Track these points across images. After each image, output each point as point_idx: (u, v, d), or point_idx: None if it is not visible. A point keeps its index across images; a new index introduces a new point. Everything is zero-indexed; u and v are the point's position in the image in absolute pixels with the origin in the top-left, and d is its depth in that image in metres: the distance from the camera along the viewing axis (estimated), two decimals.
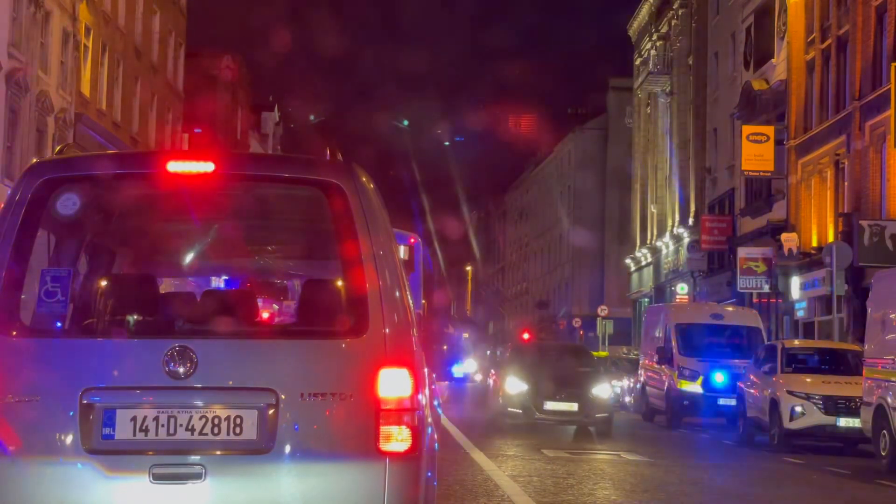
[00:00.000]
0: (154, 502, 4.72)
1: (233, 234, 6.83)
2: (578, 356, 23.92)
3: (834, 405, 18.77)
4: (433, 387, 7.06)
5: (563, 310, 74.73)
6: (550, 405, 20.34)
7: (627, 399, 33.24)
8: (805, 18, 35.67)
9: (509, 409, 20.83)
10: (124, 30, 40.09)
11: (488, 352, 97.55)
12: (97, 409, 4.76)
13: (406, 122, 41.83)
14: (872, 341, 17.10)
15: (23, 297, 4.94)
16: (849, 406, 18.48)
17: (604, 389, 20.89)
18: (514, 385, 20.94)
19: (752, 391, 20.94)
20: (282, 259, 8.02)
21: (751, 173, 36.97)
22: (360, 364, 4.88)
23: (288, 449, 4.78)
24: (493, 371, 27.49)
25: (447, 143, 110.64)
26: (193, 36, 50.30)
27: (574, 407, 20.25)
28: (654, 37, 55.64)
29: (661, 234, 54.07)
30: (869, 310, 17.58)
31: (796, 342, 26.37)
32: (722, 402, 24.60)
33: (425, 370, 5.40)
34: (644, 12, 58.19)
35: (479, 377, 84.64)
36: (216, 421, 4.79)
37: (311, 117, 50.00)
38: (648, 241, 56.69)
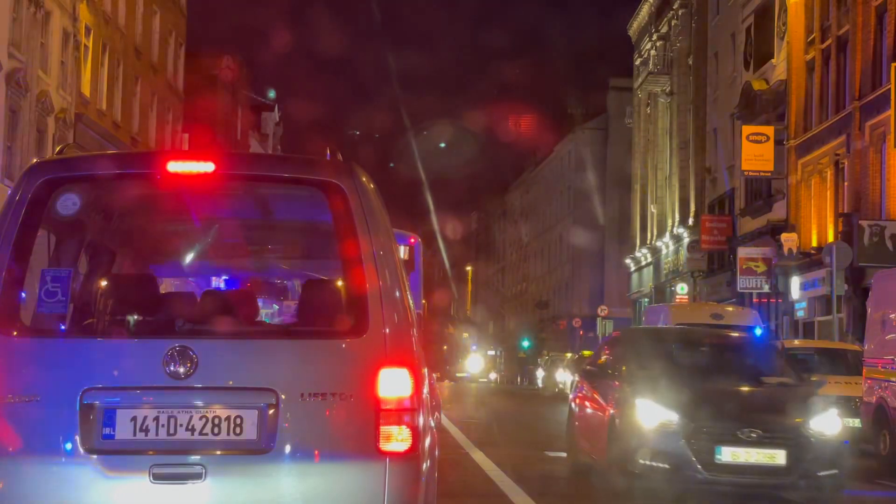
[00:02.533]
0: (154, 502, 4.72)
1: (233, 234, 6.84)
2: (759, 356, 13.32)
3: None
4: (433, 386, 7.06)
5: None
6: (731, 454, 10.57)
7: None
8: (805, 18, 35.67)
9: (643, 461, 10.76)
10: (124, 30, 40.10)
11: (490, 351, 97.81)
12: (97, 409, 4.76)
13: (273, 94, 39.74)
14: (872, 341, 17.10)
15: (23, 296, 4.94)
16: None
17: (828, 422, 11.10)
18: (653, 414, 10.87)
19: None
20: (282, 259, 8.03)
21: (751, 173, 36.97)
22: (361, 364, 4.88)
23: (288, 449, 4.78)
24: (581, 379, 13.80)
25: (443, 145, 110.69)
26: (193, 36, 50.37)
27: (779, 458, 10.63)
28: (654, 37, 55.64)
29: (661, 234, 54.07)
30: (869, 310, 17.58)
31: (796, 342, 26.37)
32: None
33: (425, 370, 5.41)
34: (644, 12, 58.19)
35: (493, 376, 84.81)
36: (216, 421, 4.79)
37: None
38: (648, 241, 56.69)
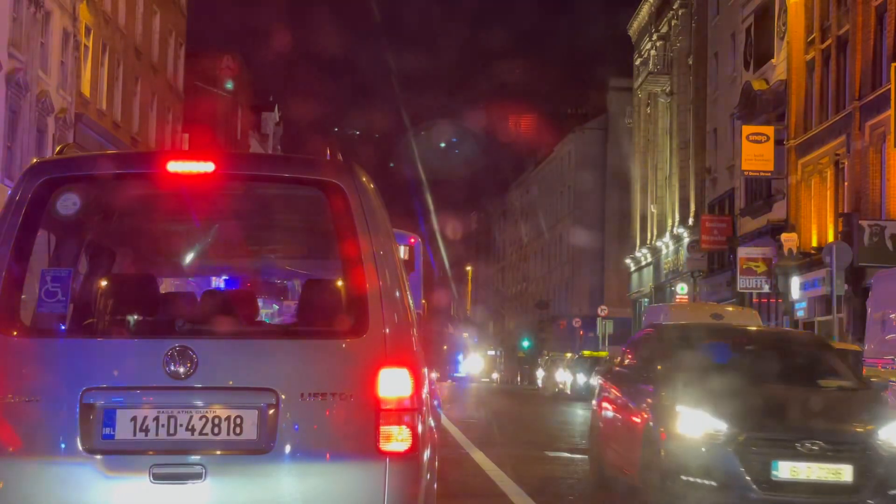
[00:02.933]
0: (154, 502, 4.72)
1: (233, 234, 6.83)
2: (813, 356, 11.55)
3: None
4: (433, 387, 7.06)
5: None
6: (790, 469, 9.10)
7: None
8: (805, 18, 35.67)
9: (685, 478, 9.30)
10: (124, 30, 40.11)
11: (490, 351, 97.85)
12: (97, 409, 4.76)
13: (230, 85, 38.58)
14: (872, 341, 17.12)
15: (23, 297, 4.94)
16: None
17: None
18: (697, 423, 9.41)
19: None
20: (282, 259, 8.03)
21: (751, 173, 36.98)
22: (361, 364, 4.88)
23: (288, 449, 4.78)
24: (607, 382, 12.15)
25: (443, 145, 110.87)
26: (193, 36, 50.39)
27: (845, 474, 9.17)
28: (654, 37, 55.65)
29: (661, 234, 54.08)
30: (869, 310, 17.60)
31: None
32: None
33: (425, 370, 5.41)
34: (644, 12, 58.20)
35: (495, 375, 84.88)
36: (216, 421, 4.79)
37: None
38: (648, 241, 56.71)
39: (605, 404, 11.74)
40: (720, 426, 9.22)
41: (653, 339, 11.75)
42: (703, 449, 9.21)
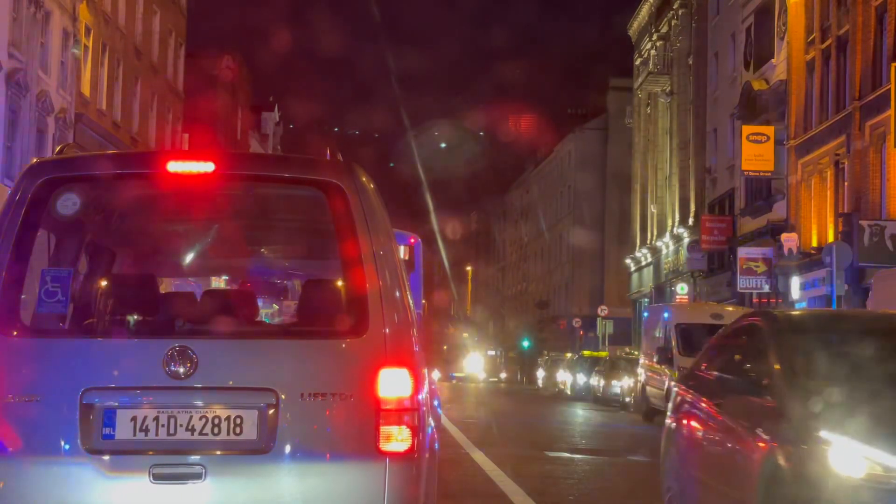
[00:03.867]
0: (154, 502, 4.72)
1: (233, 234, 6.84)
2: None
3: None
4: (433, 386, 7.06)
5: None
6: None
7: (627, 399, 33.32)
8: (805, 18, 35.68)
9: None
10: (124, 30, 40.11)
11: (490, 351, 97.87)
12: (97, 409, 4.76)
13: (77, 50, 37.20)
14: None
15: (23, 297, 4.94)
16: None
17: None
18: (857, 458, 5.95)
19: None
20: (282, 259, 8.03)
21: (751, 173, 36.99)
22: (361, 364, 4.88)
23: (288, 449, 4.78)
24: (686, 389, 8.37)
25: (443, 145, 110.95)
26: (193, 36, 50.39)
27: None
28: (654, 37, 55.66)
29: (661, 234, 54.09)
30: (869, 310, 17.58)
31: None
32: None
33: (425, 370, 5.41)
34: (644, 12, 58.21)
35: (503, 375, 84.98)
36: (216, 421, 4.79)
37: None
38: (648, 241, 56.71)
39: (689, 423, 8.34)
40: (892, 462, 6.01)
41: (762, 333, 7.76)
42: (867, 498, 6.03)
